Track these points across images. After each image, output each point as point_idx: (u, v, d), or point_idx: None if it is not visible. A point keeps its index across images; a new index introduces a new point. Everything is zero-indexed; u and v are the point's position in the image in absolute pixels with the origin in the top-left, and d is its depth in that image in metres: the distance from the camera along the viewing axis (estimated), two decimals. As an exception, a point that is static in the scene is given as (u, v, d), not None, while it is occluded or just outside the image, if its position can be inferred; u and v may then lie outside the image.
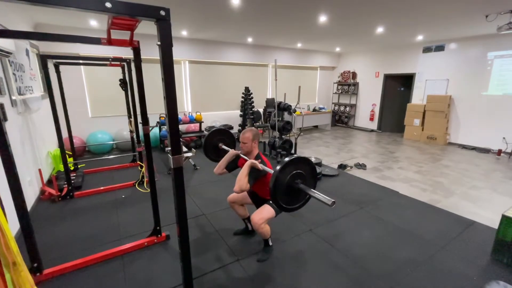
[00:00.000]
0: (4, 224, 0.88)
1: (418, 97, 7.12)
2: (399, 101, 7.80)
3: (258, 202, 2.25)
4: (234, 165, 2.26)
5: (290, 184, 1.54)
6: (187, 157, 4.31)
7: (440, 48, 6.53)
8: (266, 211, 2.06)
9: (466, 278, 2.04)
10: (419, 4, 3.56)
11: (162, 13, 1.11)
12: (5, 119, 2.61)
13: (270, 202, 2.10)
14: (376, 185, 3.89)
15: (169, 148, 1.33)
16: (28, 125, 3.39)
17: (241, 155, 2.17)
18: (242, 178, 1.86)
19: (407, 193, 3.61)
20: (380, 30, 5.19)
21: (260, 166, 1.88)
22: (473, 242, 2.50)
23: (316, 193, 1.44)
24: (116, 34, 1.97)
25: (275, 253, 2.31)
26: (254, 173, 1.92)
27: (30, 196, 3.07)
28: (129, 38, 2.01)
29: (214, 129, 2.50)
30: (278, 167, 1.50)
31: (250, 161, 1.92)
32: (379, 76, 8.02)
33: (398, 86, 7.92)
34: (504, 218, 2.20)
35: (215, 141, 2.48)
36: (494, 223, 2.75)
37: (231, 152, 2.23)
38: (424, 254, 2.31)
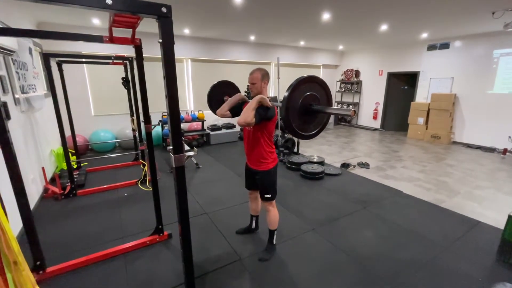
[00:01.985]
0: (5, 223, 0.88)
1: (422, 95, 7.05)
2: (403, 100, 7.73)
3: (253, 181, 2.19)
4: (239, 109, 2.09)
5: (304, 107, 1.40)
6: (189, 156, 4.33)
7: (445, 46, 6.45)
8: (268, 205, 2.15)
9: (471, 279, 2.01)
10: (424, 1, 3.51)
11: (164, 10, 1.10)
12: (8, 117, 2.62)
13: (265, 196, 2.11)
14: (379, 185, 3.86)
15: (171, 147, 1.32)
16: (31, 123, 3.40)
17: (247, 100, 2.04)
18: (249, 110, 1.74)
19: (410, 192, 3.58)
20: (384, 27, 5.13)
21: (270, 102, 1.77)
22: (478, 242, 2.47)
23: (333, 109, 1.34)
24: (118, 32, 1.96)
25: (277, 252, 2.30)
26: (261, 109, 1.79)
27: (34, 194, 3.09)
28: (131, 36, 2.00)
29: (219, 81, 2.31)
30: (287, 92, 1.39)
31: (259, 96, 1.78)
32: (382, 74, 7.95)
33: (402, 85, 7.84)
34: (511, 219, 2.16)
35: (220, 94, 2.32)
36: (499, 224, 2.71)
37: (238, 95, 2.12)
38: (428, 255, 2.29)
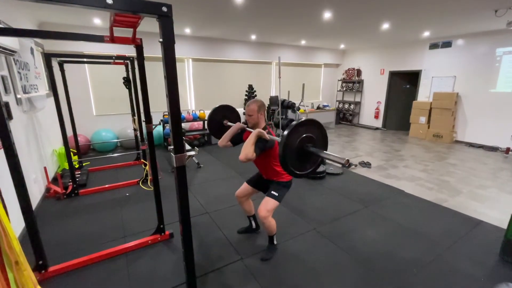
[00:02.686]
0: (6, 223, 0.88)
1: (424, 94, 7.02)
2: (405, 99, 7.70)
3: (263, 186, 2.25)
4: (239, 138, 2.20)
5: (300, 148, 1.47)
6: (190, 156, 4.33)
7: (447, 44, 6.41)
8: (270, 203, 2.08)
9: (474, 279, 2.00)
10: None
11: (164, 9, 1.10)
12: (10, 117, 2.63)
13: (272, 192, 2.10)
14: (381, 184, 3.84)
15: (172, 147, 1.32)
16: (33, 123, 3.42)
17: (247, 129, 2.12)
18: (248, 146, 1.80)
19: (412, 192, 3.56)
20: (385, 26, 5.10)
21: (267, 136, 1.83)
22: (481, 242, 2.45)
23: (328, 154, 1.39)
24: (119, 32, 1.96)
25: (278, 252, 2.30)
26: (260, 143, 1.86)
27: (36, 194, 3.10)
28: (132, 36, 2.00)
29: (218, 105, 2.38)
30: (286, 132, 1.44)
31: (257, 130, 1.85)
32: (384, 73, 7.92)
33: (404, 84, 7.81)
34: (513, 218, 2.15)
35: (220, 118, 2.38)
36: (502, 223, 2.70)
37: (237, 124, 2.18)
38: (430, 254, 2.28)
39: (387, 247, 2.39)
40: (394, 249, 2.35)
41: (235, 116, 2.45)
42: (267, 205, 2.07)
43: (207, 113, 6.18)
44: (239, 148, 2.07)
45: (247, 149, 1.79)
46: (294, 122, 1.47)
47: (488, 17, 4.33)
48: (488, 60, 5.77)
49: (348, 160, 1.29)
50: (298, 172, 1.54)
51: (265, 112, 2.11)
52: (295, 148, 1.48)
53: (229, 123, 2.36)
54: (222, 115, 2.39)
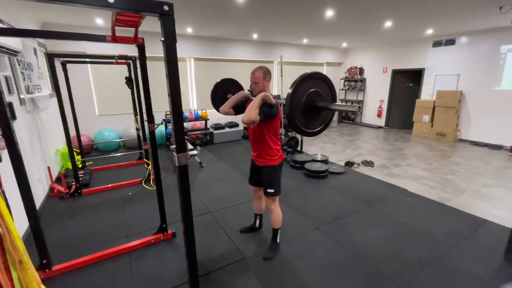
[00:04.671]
0: (10, 223, 0.88)
1: (428, 92, 6.96)
2: (408, 97, 7.65)
3: (258, 178, 2.18)
4: (242, 106, 2.11)
5: (308, 103, 1.40)
6: (192, 155, 4.34)
7: (450, 42, 6.34)
8: (271, 200, 2.12)
9: (478, 279, 1.98)
10: (429, -3, 3.46)
11: (166, 8, 1.09)
12: (14, 117, 2.64)
13: (268, 191, 2.08)
14: (384, 183, 3.82)
15: (174, 146, 1.32)
16: (37, 123, 3.44)
17: (251, 97, 2.05)
18: (253, 108, 1.72)
19: (416, 191, 3.54)
20: (388, 24, 5.07)
21: (273, 100, 1.76)
22: (485, 241, 2.43)
23: (337, 105, 1.34)
24: (122, 32, 1.96)
25: (281, 251, 2.29)
26: (266, 107, 1.78)
27: (39, 193, 3.13)
28: (134, 35, 2.00)
29: (222, 79, 2.32)
30: (291, 88, 1.39)
31: (263, 93, 1.77)
32: (387, 71, 7.86)
33: (407, 82, 7.75)
34: (519, 217, 2.13)
35: (223, 92, 2.32)
36: (507, 222, 2.67)
37: (241, 92, 2.12)
38: (434, 254, 2.26)
39: (390, 246, 2.38)
40: (398, 249, 2.34)
41: (239, 90, 2.38)
42: (268, 201, 2.15)
43: (209, 112, 6.19)
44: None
45: (251, 111, 1.72)
46: (299, 77, 1.40)
47: (492, 14, 4.28)
48: (493, 57, 5.70)
49: (359, 107, 1.23)
50: (308, 130, 1.45)
51: (271, 79, 1.99)
52: (302, 104, 1.39)
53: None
54: (225, 89, 2.31)
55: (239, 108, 2.12)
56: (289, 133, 5.11)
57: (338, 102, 9.22)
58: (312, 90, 1.38)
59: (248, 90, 2.09)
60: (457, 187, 3.66)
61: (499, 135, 5.75)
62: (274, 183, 2.07)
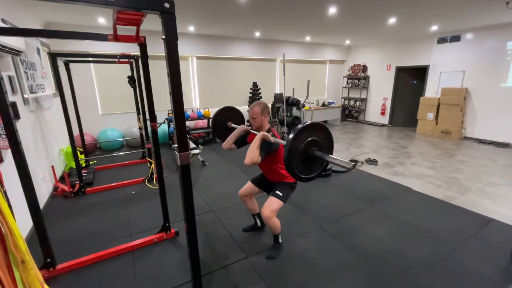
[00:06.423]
0: (12, 223, 0.88)
1: (432, 90, 6.88)
2: (412, 95, 7.56)
3: (267, 187, 2.24)
4: (243, 141, 2.21)
5: (306, 152, 1.46)
6: (194, 154, 4.34)
7: (455, 38, 6.26)
8: (274, 203, 2.05)
9: (484, 279, 1.95)
10: (434, -8, 3.40)
11: (167, 5, 1.08)
12: (18, 117, 2.66)
13: (276, 192, 2.08)
14: (388, 181, 3.79)
15: (176, 145, 1.31)
16: (40, 123, 3.46)
17: (251, 131, 2.12)
18: (253, 150, 1.81)
19: (420, 189, 3.50)
20: (392, 21, 5.00)
21: (272, 138, 1.82)
22: (492, 241, 2.40)
23: (333, 158, 1.38)
24: (124, 31, 1.96)
25: (284, 250, 2.28)
26: (265, 146, 1.85)
27: (44, 192, 3.15)
28: (135, 34, 1.99)
29: (222, 107, 2.40)
30: (291, 135, 1.44)
31: (261, 133, 1.85)
32: (390, 69, 7.79)
33: (411, 79, 7.67)
34: (526, 217, 2.09)
35: (224, 120, 2.40)
36: (514, 221, 2.64)
37: (241, 127, 2.19)
38: (439, 253, 2.23)
39: (395, 245, 2.35)
40: (402, 248, 2.32)
41: (239, 117, 2.47)
42: (271, 205, 2.03)
43: (211, 111, 6.18)
44: (243, 149, 2.06)
45: (252, 153, 1.80)
46: (299, 126, 1.46)
47: (499, 9, 4.20)
48: (499, 54, 5.61)
49: (354, 165, 1.27)
50: (303, 176, 1.54)
51: (269, 113, 2.11)
52: (300, 152, 1.47)
53: (233, 125, 2.37)
54: (226, 117, 2.41)
55: (240, 143, 2.22)
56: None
57: (341, 102, 9.15)
58: (310, 139, 1.46)
59: (247, 123, 2.20)
60: (462, 186, 3.62)
61: (505, 133, 5.67)
62: (285, 191, 2.09)
